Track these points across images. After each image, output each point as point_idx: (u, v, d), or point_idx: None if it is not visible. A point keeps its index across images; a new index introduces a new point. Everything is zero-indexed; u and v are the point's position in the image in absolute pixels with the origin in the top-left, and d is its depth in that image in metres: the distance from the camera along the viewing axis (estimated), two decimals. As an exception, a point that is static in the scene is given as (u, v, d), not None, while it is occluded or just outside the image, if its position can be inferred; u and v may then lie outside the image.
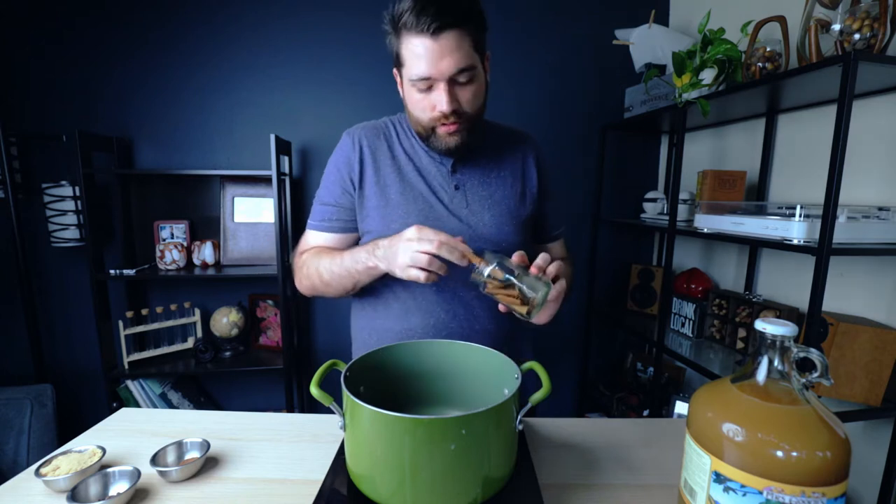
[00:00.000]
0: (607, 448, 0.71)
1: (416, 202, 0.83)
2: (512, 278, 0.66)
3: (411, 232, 0.69)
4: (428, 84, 0.73)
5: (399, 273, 0.70)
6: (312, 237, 0.90)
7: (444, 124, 0.76)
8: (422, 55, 0.70)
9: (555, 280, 0.70)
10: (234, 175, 1.77)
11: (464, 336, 0.82)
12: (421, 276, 0.68)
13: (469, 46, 0.73)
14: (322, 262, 0.83)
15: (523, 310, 0.66)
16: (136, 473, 0.59)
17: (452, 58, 0.70)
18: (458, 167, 0.86)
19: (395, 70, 0.80)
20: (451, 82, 0.73)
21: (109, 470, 0.60)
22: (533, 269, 0.68)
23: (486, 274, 0.66)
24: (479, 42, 0.75)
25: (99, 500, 0.55)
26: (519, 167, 0.91)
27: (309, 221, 0.90)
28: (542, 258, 0.69)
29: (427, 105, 0.75)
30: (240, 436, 0.74)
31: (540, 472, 0.64)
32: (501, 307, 0.71)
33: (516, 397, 0.55)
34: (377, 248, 0.74)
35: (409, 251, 0.68)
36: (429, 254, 0.67)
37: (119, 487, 0.59)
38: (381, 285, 0.87)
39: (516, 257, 0.69)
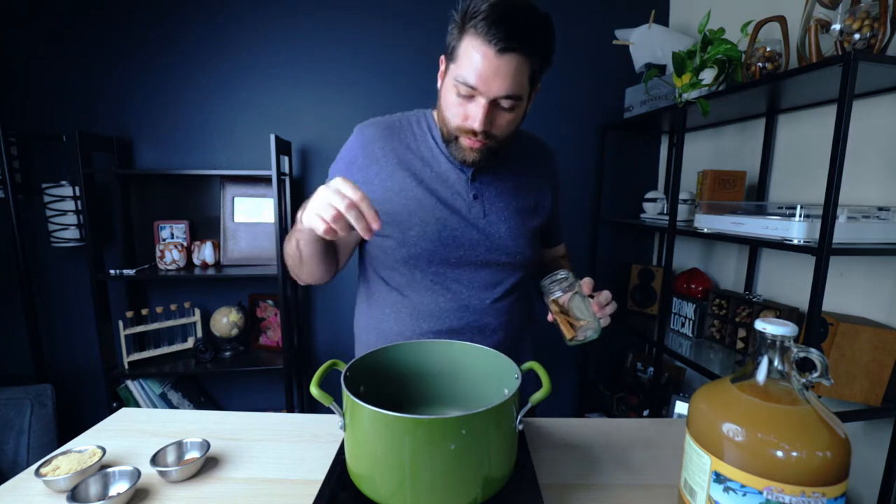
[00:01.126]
0: (607, 448, 0.71)
1: (433, 210, 0.81)
2: (578, 315, 0.71)
3: (333, 182, 0.61)
4: (470, 93, 0.70)
5: (304, 219, 0.63)
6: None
7: (469, 138, 0.74)
8: (478, 64, 0.67)
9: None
10: (234, 175, 1.77)
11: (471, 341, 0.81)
12: (320, 227, 0.61)
13: (525, 76, 0.71)
14: (291, 242, 0.78)
15: (569, 335, 0.71)
16: (136, 473, 0.59)
17: (505, 81, 0.68)
18: (477, 176, 0.84)
19: (443, 57, 0.76)
20: (493, 103, 0.71)
21: (109, 470, 0.60)
22: (594, 307, 0.72)
23: (554, 295, 0.72)
24: (536, 75, 0.73)
25: (99, 500, 0.55)
26: (537, 180, 0.90)
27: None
28: (604, 296, 0.74)
29: (460, 112, 0.73)
30: (240, 436, 0.74)
31: (540, 472, 0.64)
32: (550, 317, 0.75)
33: (516, 397, 0.55)
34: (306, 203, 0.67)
35: (321, 200, 0.60)
36: (338, 210, 0.60)
37: (119, 487, 0.59)
38: (388, 290, 0.86)
39: (586, 287, 0.73)
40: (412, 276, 0.83)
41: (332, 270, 0.85)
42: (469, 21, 0.68)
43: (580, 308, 0.71)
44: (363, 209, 0.60)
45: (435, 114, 0.85)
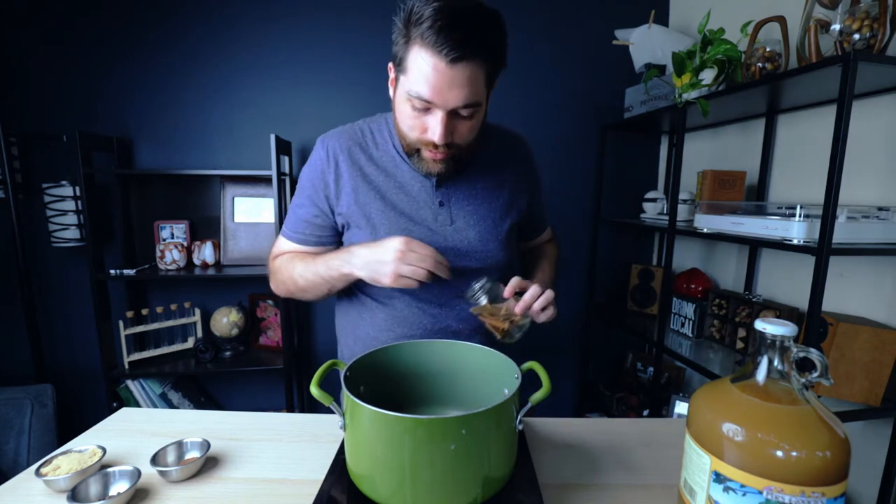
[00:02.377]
0: (607, 448, 0.71)
1: (398, 221, 0.80)
2: (501, 317, 0.73)
3: (400, 243, 0.69)
4: (426, 106, 0.67)
5: (387, 282, 0.70)
6: (285, 244, 0.88)
7: (431, 150, 0.72)
8: (430, 77, 0.63)
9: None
10: (234, 175, 1.77)
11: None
12: (413, 285, 0.70)
13: (481, 82, 0.67)
14: (296, 269, 0.82)
15: (499, 336, 0.74)
16: (137, 473, 0.59)
17: (462, 91, 0.65)
18: (443, 182, 0.82)
19: (391, 65, 0.73)
20: (452, 113, 0.68)
21: (110, 470, 0.60)
22: (518, 308, 0.72)
23: (480, 302, 0.73)
24: (493, 77, 0.70)
25: (99, 500, 0.55)
26: (509, 175, 0.87)
27: (283, 228, 0.88)
28: (529, 294, 0.72)
29: (418, 125, 0.70)
30: (240, 436, 0.74)
31: (540, 472, 0.64)
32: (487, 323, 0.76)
33: (516, 397, 0.55)
34: (353, 256, 0.74)
35: (402, 263, 0.68)
36: (424, 269, 0.69)
37: (119, 487, 0.59)
38: (364, 294, 0.86)
39: (510, 288, 0.73)
40: (381, 287, 0.81)
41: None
42: (414, 29, 0.63)
43: (500, 311, 0.74)
44: (437, 257, 0.70)
45: None
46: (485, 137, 0.85)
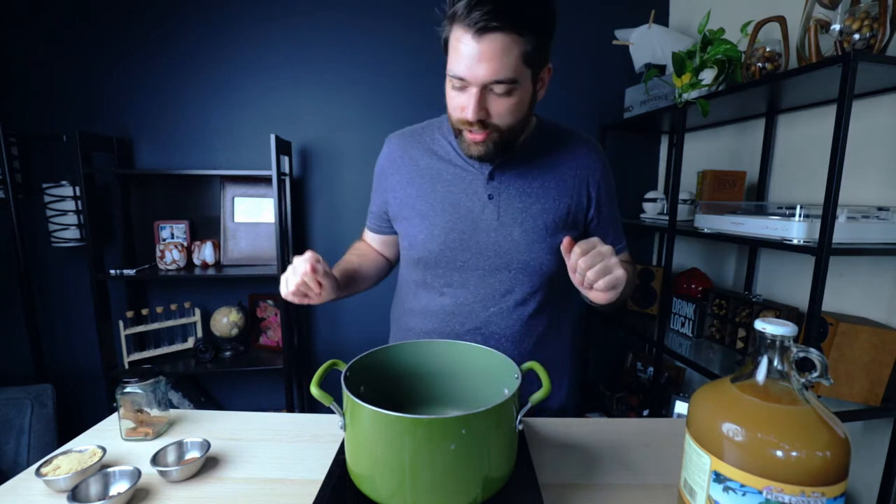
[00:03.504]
0: (607, 448, 0.71)
1: (442, 214, 0.80)
2: None
3: (295, 259, 0.70)
4: (462, 84, 0.67)
5: (283, 296, 0.71)
6: (365, 233, 0.97)
7: (469, 130, 0.71)
8: (461, 53, 0.64)
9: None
10: (234, 175, 1.76)
11: None
12: (303, 301, 0.71)
13: (517, 56, 0.64)
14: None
15: None
16: (137, 473, 0.59)
17: (491, 65, 0.63)
18: (496, 174, 0.79)
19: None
20: (485, 90, 0.66)
21: (110, 470, 0.60)
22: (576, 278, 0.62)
23: None
24: (533, 54, 0.66)
25: (99, 500, 0.55)
26: (570, 178, 0.81)
27: (368, 220, 0.96)
28: (574, 254, 0.60)
29: (457, 105, 0.70)
30: (240, 436, 0.74)
31: (540, 472, 0.64)
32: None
33: (516, 397, 0.55)
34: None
35: (286, 280, 0.70)
36: (295, 284, 0.69)
37: (119, 487, 0.59)
38: (408, 286, 0.90)
39: (564, 245, 0.61)
40: (423, 277, 0.85)
41: (373, 279, 0.93)
42: (451, 9, 0.64)
43: None
44: (301, 279, 0.68)
45: None
46: (552, 131, 0.84)
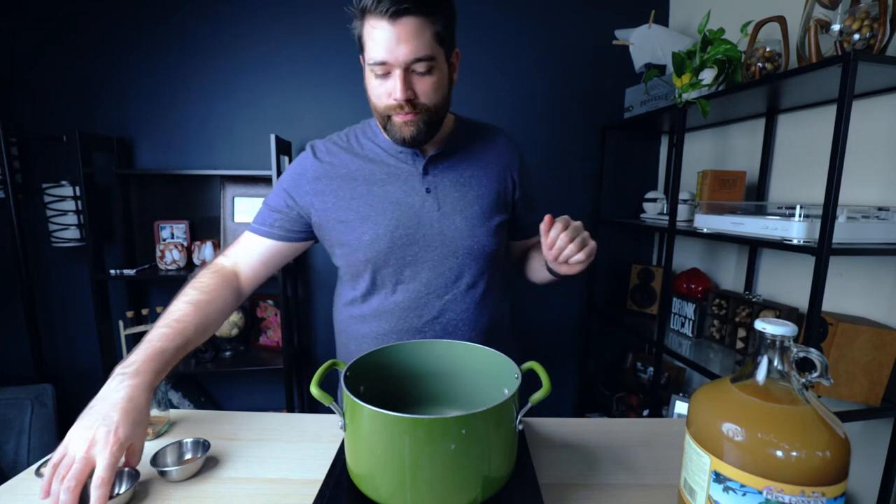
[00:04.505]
0: (607, 448, 0.71)
1: (384, 213, 0.81)
2: None
3: (72, 446, 0.54)
4: (385, 69, 0.71)
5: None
6: (245, 239, 0.87)
7: (398, 113, 0.74)
8: (379, 39, 0.68)
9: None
10: (234, 175, 1.77)
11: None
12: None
13: (430, 37, 0.70)
14: (187, 290, 0.85)
15: None
16: (136, 474, 0.59)
17: (410, 45, 0.68)
18: (429, 169, 0.84)
19: (361, 57, 0.76)
20: (408, 71, 0.71)
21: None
22: (548, 254, 0.70)
23: None
24: (443, 34, 0.72)
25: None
26: (495, 165, 0.88)
27: (251, 223, 0.86)
28: (553, 231, 0.68)
29: (383, 92, 0.73)
30: (240, 436, 0.74)
31: (540, 472, 0.64)
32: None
33: (516, 397, 0.55)
34: (111, 379, 0.60)
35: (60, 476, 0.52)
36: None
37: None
38: (354, 294, 0.87)
39: (545, 223, 0.69)
40: (371, 280, 0.84)
41: (212, 330, 0.83)
42: (360, 6, 0.69)
43: None
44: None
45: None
46: (476, 128, 0.90)
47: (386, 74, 0.72)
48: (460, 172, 0.85)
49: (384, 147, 0.85)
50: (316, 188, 0.83)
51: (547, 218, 0.68)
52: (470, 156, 0.87)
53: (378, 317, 0.85)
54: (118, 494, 0.56)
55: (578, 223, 0.70)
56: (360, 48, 0.74)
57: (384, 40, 0.68)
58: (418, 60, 0.70)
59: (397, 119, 0.75)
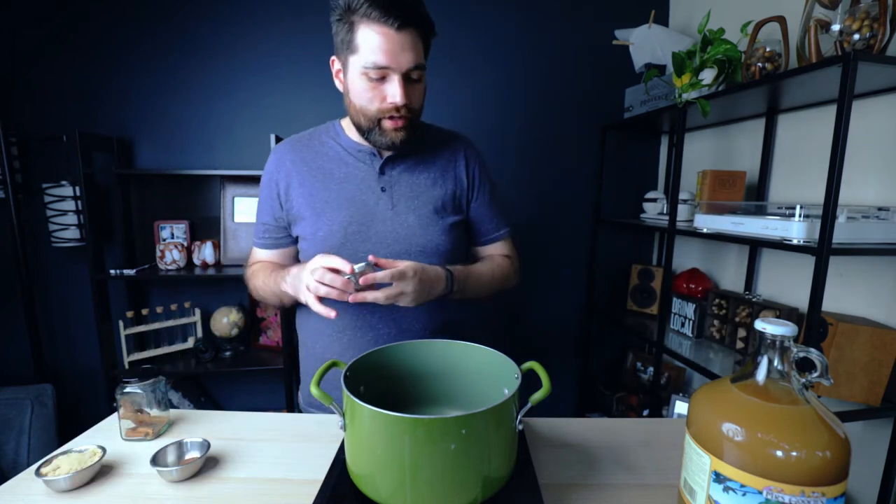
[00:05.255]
0: (607, 448, 0.71)
1: (340, 209, 0.84)
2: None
3: (313, 261, 0.72)
4: (382, 74, 0.74)
5: (302, 299, 0.74)
6: (256, 252, 0.96)
7: (391, 117, 0.78)
8: (382, 46, 0.72)
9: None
10: (234, 175, 1.77)
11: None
12: (316, 304, 0.71)
13: (422, 48, 0.77)
14: (258, 282, 0.89)
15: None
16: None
17: (411, 53, 0.74)
18: (386, 168, 0.87)
19: (334, 57, 0.81)
20: (405, 77, 0.75)
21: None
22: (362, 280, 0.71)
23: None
24: (427, 48, 0.79)
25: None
26: (450, 168, 0.92)
27: (254, 238, 0.96)
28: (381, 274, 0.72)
29: (377, 95, 0.76)
30: (240, 436, 0.74)
31: (540, 472, 0.64)
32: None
33: (516, 397, 0.55)
34: (287, 275, 0.79)
35: (306, 280, 0.71)
36: (334, 288, 0.69)
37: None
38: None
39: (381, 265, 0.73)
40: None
41: None
42: (354, 14, 0.73)
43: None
44: (327, 272, 0.69)
45: (343, 122, 0.91)
46: (430, 131, 0.94)
47: (382, 79, 0.75)
48: (416, 174, 0.89)
49: (345, 146, 0.89)
50: (280, 189, 0.88)
51: (371, 258, 0.72)
52: (426, 159, 0.90)
53: (338, 318, 0.86)
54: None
55: (409, 287, 0.72)
56: (348, 50, 0.76)
57: (388, 47, 0.72)
58: (416, 68, 0.76)
59: (388, 123, 0.79)
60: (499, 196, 1.00)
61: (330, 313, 0.70)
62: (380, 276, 0.70)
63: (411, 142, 0.83)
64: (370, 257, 0.71)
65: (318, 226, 0.85)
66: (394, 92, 0.75)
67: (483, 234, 0.98)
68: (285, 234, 0.91)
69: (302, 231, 0.87)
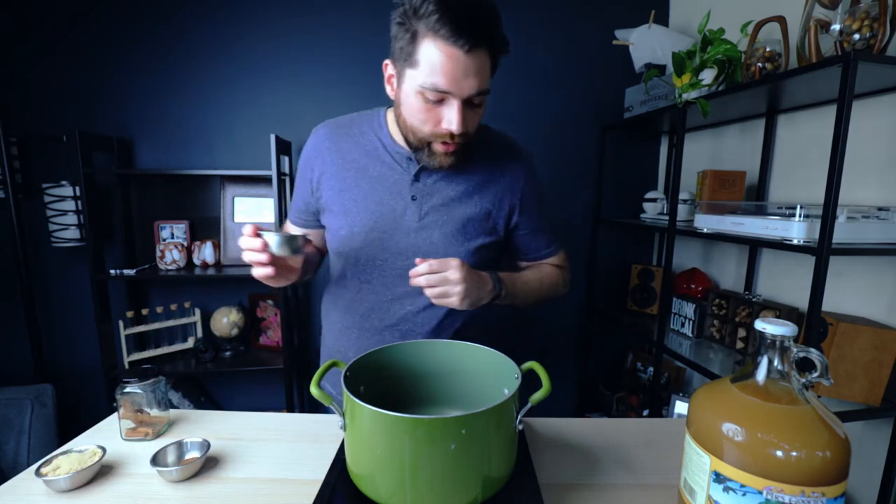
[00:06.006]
0: (607, 448, 0.71)
1: (364, 212, 0.80)
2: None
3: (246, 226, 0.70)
4: (440, 97, 0.68)
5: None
6: (288, 226, 0.95)
7: (444, 143, 0.72)
8: (446, 68, 0.65)
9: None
10: (234, 175, 1.77)
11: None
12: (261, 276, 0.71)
13: (489, 69, 0.69)
14: None
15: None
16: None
17: (475, 79, 0.67)
18: (421, 175, 0.80)
19: (388, 61, 0.74)
20: (466, 102, 0.69)
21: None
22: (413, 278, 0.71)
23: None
24: (494, 69, 0.71)
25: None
26: (491, 183, 0.83)
27: (289, 212, 0.95)
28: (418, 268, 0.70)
29: (432, 118, 0.70)
30: (240, 436, 0.74)
31: (540, 472, 0.64)
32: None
33: (516, 397, 0.55)
34: None
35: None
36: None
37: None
38: (335, 279, 0.90)
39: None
40: (343, 270, 0.86)
41: (316, 263, 0.95)
42: (419, 22, 0.64)
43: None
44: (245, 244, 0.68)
45: (389, 113, 0.85)
46: (485, 135, 0.85)
47: (440, 101, 0.69)
48: (453, 186, 0.81)
49: (384, 143, 0.82)
50: (314, 175, 0.85)
51: (418, 260, 0.70)
52: (468, 169, 0.82)
53: (345, 308, 0.87)
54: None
55: (454, 276, 0.69)
56: (406, 62, 0.68)
57: (452, 71, 0.65)
58: (479, 94, 0.69)
59: (439, 147, 0.73)
60: (548, 218, 0.92)
61: (266, 271, 0.69)
62: (421, 268, 0.68)
63: (461, 164, 0.77)
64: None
65: (341, 223, 0.82)
66: (451, 118, 0.68)
67: (527, 253, 0.93)
68: (314, 219, 0.89)
69: (327, 223, 0.85)
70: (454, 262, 0.69)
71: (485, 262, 0.84)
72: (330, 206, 0.83)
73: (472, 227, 0.82)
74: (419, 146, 0.75)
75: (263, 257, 0.68)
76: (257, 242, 0.67)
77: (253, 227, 0.68)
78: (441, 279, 0.69)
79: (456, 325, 0.85)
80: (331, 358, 0.68)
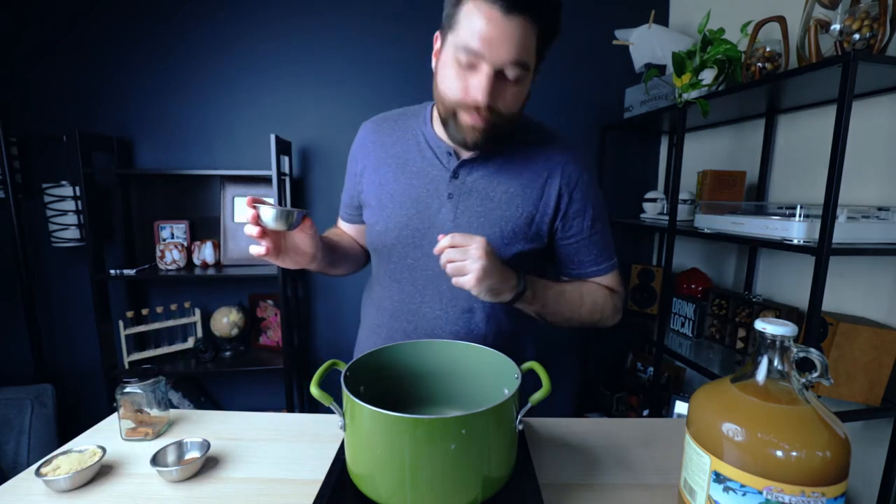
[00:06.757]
0: (607, 448, 0.71)
1: (402, 207, 0.77)
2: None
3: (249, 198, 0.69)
4: (473, 61, 0.62)
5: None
6: (340, 223, 0.97)
7: (470, 112, 0.66)
8: (482, 27, 0.60)
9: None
10: (234, 175, 1.77)
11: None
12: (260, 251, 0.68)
13: (532, 44, 0.63)
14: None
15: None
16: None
17: (512, 47, 0.61)
18: (459, 172, 0.75)
19: (437, 34, 0.70)
20: (498, 74, 0.63)
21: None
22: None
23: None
24: (541, 47, 0.66)
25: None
26: (536, 184, 0.76)
27: (340, 209, 0.96)
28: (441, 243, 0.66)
29: (460, 85, 0.65)
30: (240, 436, 0.74)
31: (540, 472, 0.64)
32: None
33: (516, 397, 0.55)
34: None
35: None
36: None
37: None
38: (373, 276, 0.89)
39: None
40: (378, 267, 0.86)
41: (352, 259, 0.92)
42: None
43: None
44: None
45: (436, 107, 0.77)
46: (532, 130, 0.80)
47: (471, 67, 0.63)
48: (493, 186, 0.76)
49: (427, 136, 0.79)
50: (358, 169, 0.85)
51: (440, 237, 0.66)
52: (511, 167, 0.76)
53: (377, 306, 0.86)
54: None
55: (475, 251, 0.63)
56: (448, 26, 0.65)
57: (488, 31, 0.60)
58: (513, 64, 0.62)
59: (466, 118, 0.67)
60: (606, 226, 0.82)
61: (259, 249, 0.67)
62: (444, 242, 0.64)
63: (489, 147, 0.72)
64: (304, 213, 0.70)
65: (377, 218, 0.80)
66: (477, 85, 0.63)
67: (570, 268, 0.83)
68: (359, 213, 0.87)
69: (366, 218, 0.84)
70: (479, 239, 0.64)
71: (531, 267, 0.78)
72: (369, 201, 0.82)
73: (511, 232, 0.75)
74: (446, 116, 0.70)
75: (255, 231, 0.65)
76: (250, 213, 0.65)
77: (251, 198, 0.66)
78: (461, 252, 0.64)
79: (489, 336, 0.79)
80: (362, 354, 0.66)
